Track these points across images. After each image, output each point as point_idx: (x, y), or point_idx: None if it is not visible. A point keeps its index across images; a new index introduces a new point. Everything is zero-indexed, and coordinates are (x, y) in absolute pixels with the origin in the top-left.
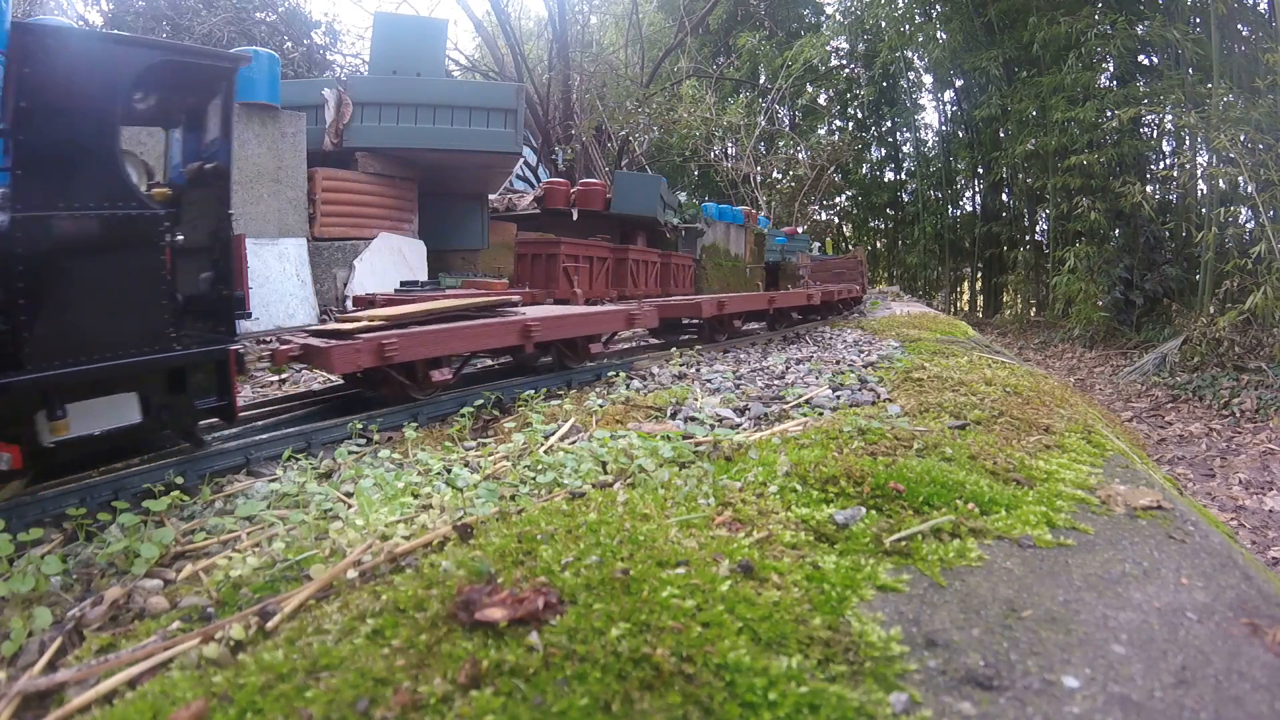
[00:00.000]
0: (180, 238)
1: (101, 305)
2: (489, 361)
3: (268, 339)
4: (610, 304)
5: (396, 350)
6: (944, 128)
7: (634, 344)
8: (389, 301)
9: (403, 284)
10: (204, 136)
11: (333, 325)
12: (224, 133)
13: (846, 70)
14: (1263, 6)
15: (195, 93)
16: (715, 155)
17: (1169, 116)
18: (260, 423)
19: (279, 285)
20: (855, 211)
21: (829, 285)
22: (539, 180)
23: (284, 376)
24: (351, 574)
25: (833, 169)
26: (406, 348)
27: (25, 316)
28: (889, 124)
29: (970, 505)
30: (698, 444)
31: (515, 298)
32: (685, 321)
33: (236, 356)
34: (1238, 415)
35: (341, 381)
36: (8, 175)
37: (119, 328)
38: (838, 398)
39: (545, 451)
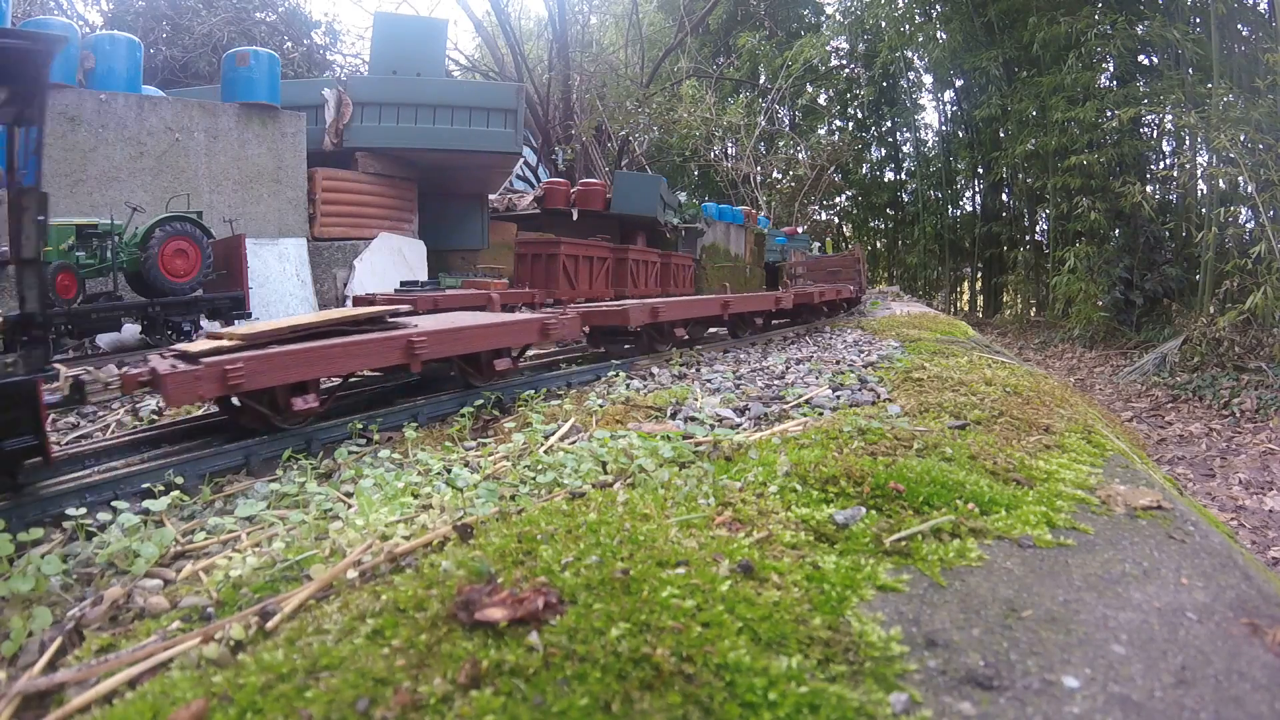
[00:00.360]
0: None
1: None
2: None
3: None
4: (526, 312)
5: (243, 377)
6: (944, 128)
7: (554, 357)
8: (374, 302)
9: (403, 284)
10: (29, 129)
11: (193, 345)
12: (40, 125)
13: (846, 70)
14: (1263, 6)
15: (11, 78)
16: (715, 155)
17: (1169, 116)
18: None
19: (279, 285)
20: (855, 211)
21: (808, 287)
22: (539, 180)
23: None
24: (351, 574)
25: (833, 169)
26: (258, 373)
27: None
28: (889, 124)
29: (970, 505)
30: (698, 444)
31: (405, 306)
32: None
33: (77, 384)
34: (1238, 415)
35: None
36: None
37: None
38: (838, 398)
39: (545, 451)
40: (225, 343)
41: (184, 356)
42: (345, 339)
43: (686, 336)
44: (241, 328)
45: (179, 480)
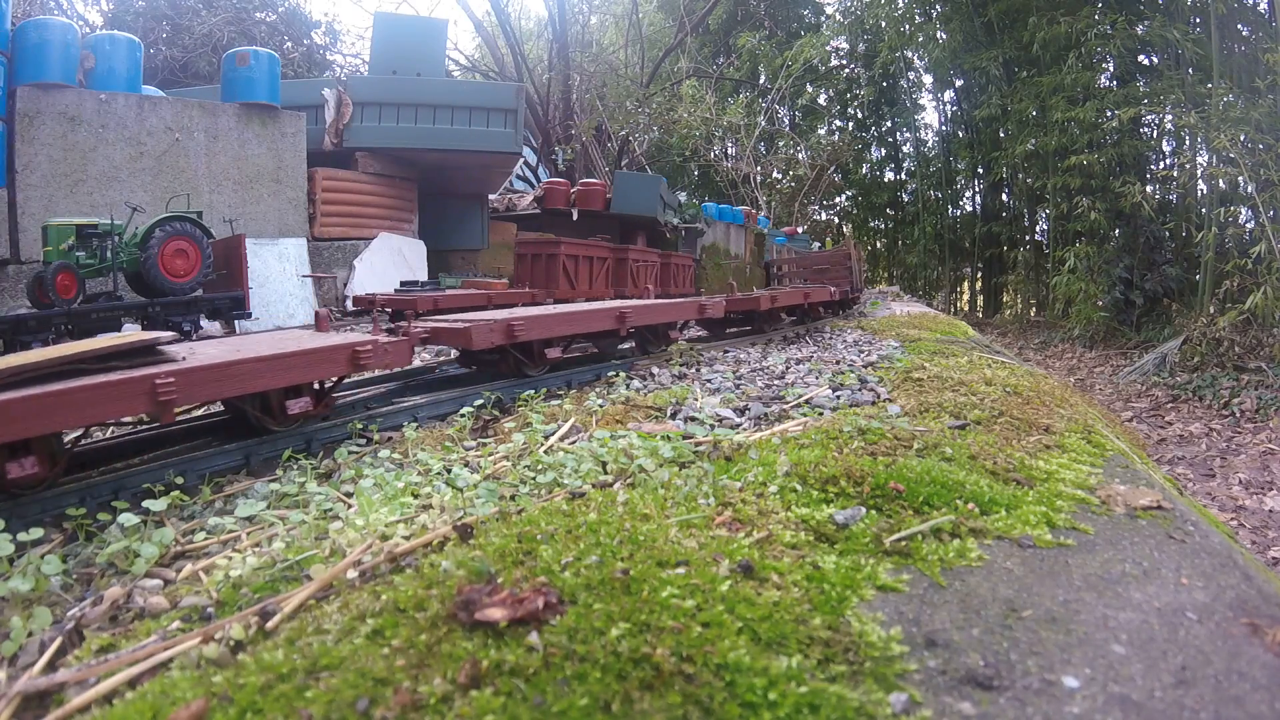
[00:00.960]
0: None
1: None
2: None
3: None
4: (344, 334)
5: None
6: (944, 128)
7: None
8: (374, 302)
9: (403, 284)
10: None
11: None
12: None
13: (846, 70)
14: (1263, 6)
15: None
16: (715, 155)
17: (1169, 116)
18: None
19: (279, 285)
20: (855, 211)
21: (741, 293)
22: (539, 180)
23: None
24: (351, 574)
25: (833, 169)
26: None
27: None
28: (889, 124)
29: (970, 505)
30: (698, 444)
31: (166, 335)
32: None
33: None
34: (1238, 415)
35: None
36: None
37: None
38: (838, 398)
39: (545, 451)
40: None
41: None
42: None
43: (556, 356)
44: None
45: (179, 480)
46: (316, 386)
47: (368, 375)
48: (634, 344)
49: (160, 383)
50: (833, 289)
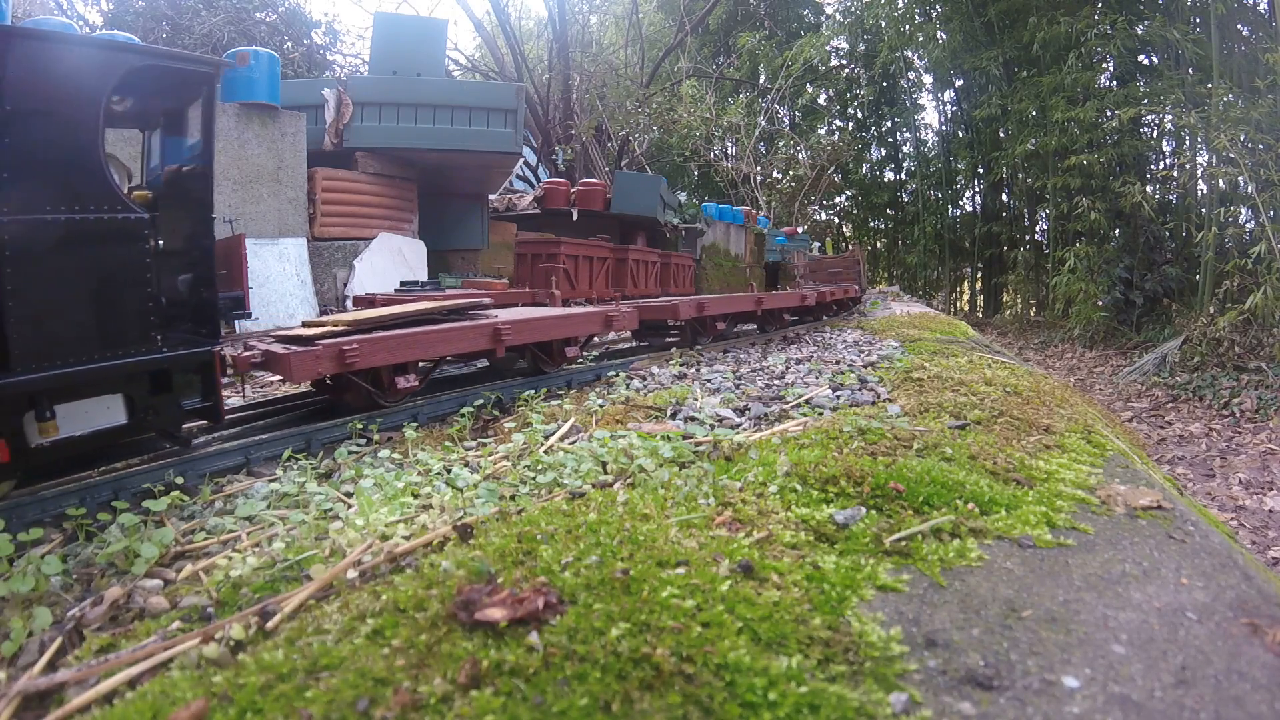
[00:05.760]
0: (163, 241)
1: (87, 308)
2: (472, 365)
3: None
4: (589, 305)
5: (358, 356)
6: (944, 128)
7: (604, 349)
8: (375, 303)
9: (403, 284)
10: (185, 140)
11: (297, 330)
12: (205, 136)
13: (846, 70)
14: (1263, 6)
15: (177, 96)
16: (715, 155)
17: (1169, 116)
18: (249, 425)
19: (279, 285)
20: (855, 211)
21: (819, 287)
22: (539, 180)
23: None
24: (351, 574)
25: (833, 169)
26: (369, 353)
27: (12, 319)
28: (889, 124)
29: (970, 505)
30: (698, 444)
31: (486, 300)
32: (670, 323)
33: (222, 358)
34: (1238, 415)
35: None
36: None
37: (104, 330)
38: (838, 398)
39: (545, 451)
40: (335, 327)
41: (296, 340)
42: (441, 326)
43: (731, 329)
44: (345, 315)
45: (179, 480)
46: (583, 340)
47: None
48: (757, 324)
49: (501, 327)
50: (848, 287)
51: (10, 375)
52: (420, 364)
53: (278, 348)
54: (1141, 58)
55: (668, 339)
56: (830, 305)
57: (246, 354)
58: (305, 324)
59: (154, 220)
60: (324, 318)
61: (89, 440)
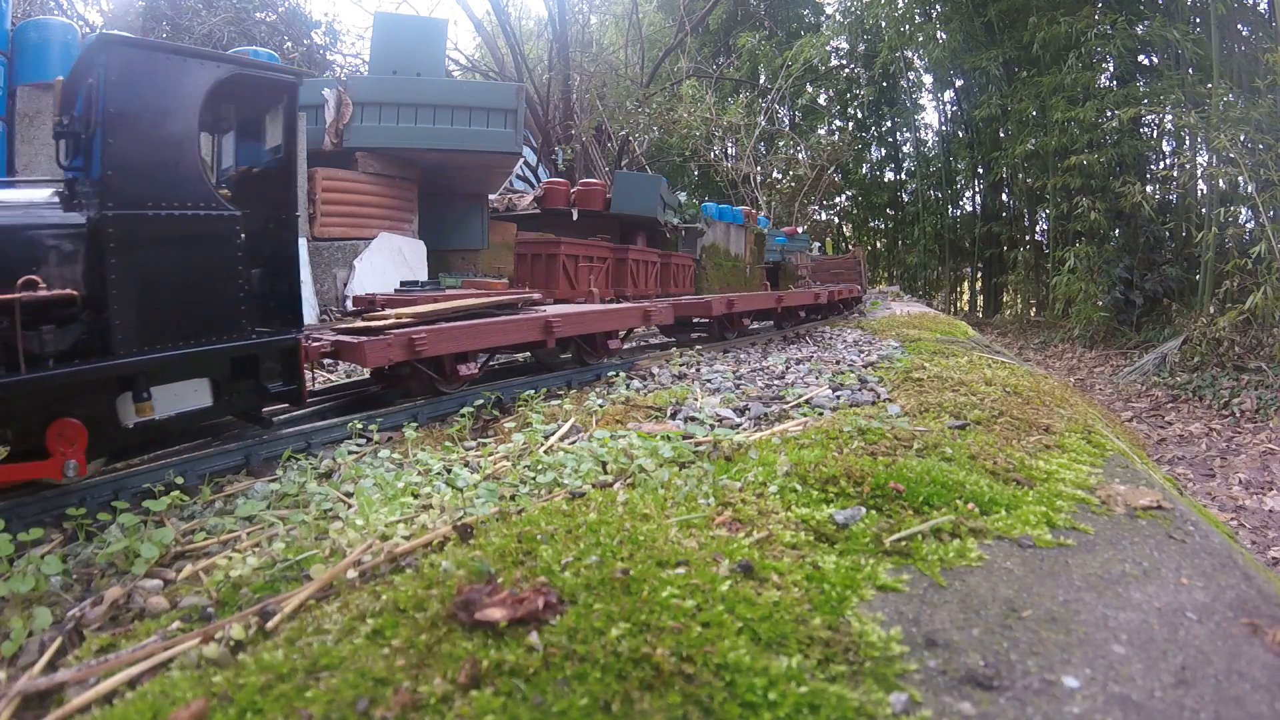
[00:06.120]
0: (248, 236)
1: (184, 296)
2: (518, 357)
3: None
4: (626, 301)
5: (426, 345)
6: (944, 128)
7: (638, 343)
8: (389, 302)
9: (403, 284)
10: (263, 144)
11: (360, 323)
12: (288, 140)
13: (846, 70)
14: (1263, 6)
15: (257, 103)
16: (715, 155)
17: (1169, 116)
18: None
19: None
20: (855, 211)
21: (826, 286)
22: (539, 180)
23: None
24: (351, 574)
25: (833, 169)
26: (436, 343)
27: (116, 305)
28: (889, 124)
29: (970, 505)
30: (698, 444)
31: (536, 295)
32: (695, 320)
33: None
34: (1238, 415)
35: (366, 377)
36: (74, 173)
37: (199, 317)
38: (838, 398)
39: (545, 451)
40: (400, 319)
41: (367, 331)
42: (499, 318)
43: (751, 325)
44: (409, 308)
45: (179, 480)
46: (622, 333)
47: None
48: (773, 320)
49: (552, 320)
50: (851, 287)
51: (113, 358)
52: (479, 354)
53: (346, 338)
54: (1141, 58)
55: (693, 334)
56: (838, 304)
57: (316, 344)
58: (364, 318)
59: (245, 217)
60: (385, 311)
61: (175, 422)
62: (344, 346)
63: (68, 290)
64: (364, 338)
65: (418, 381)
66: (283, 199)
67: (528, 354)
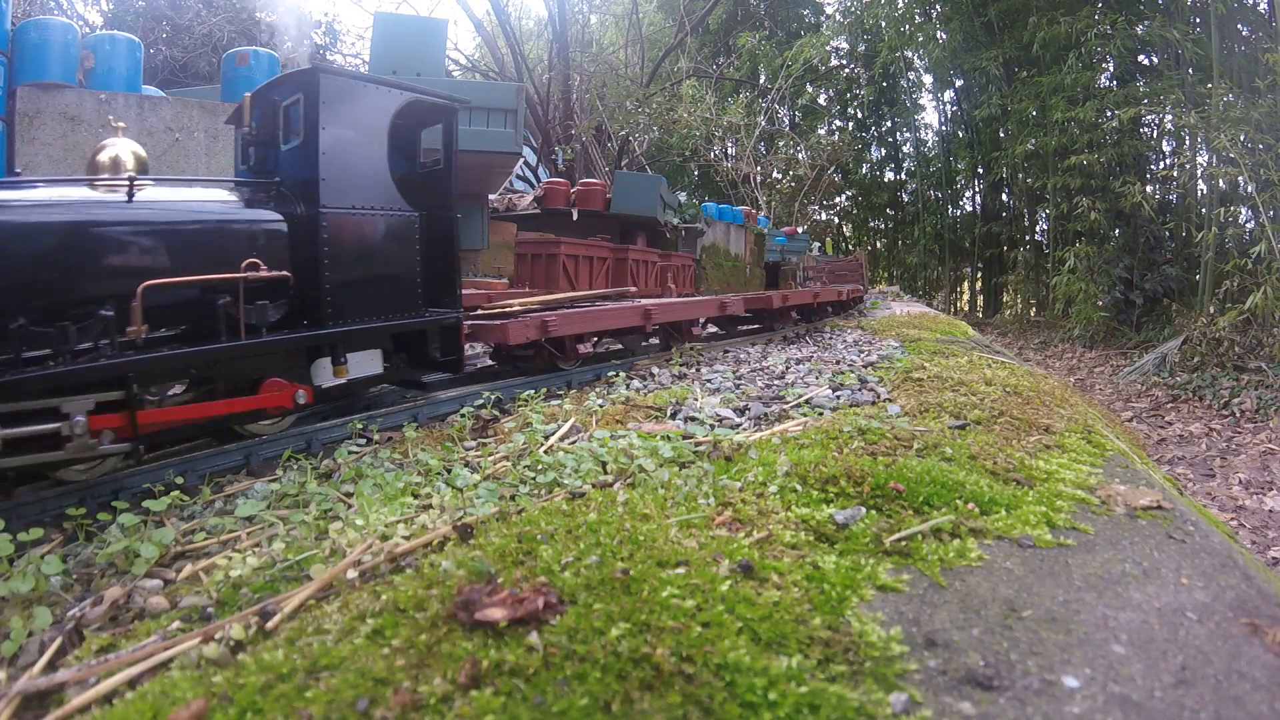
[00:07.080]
0: (423, 231)
1: (376, 280)
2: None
3: None
4: (702, 295)
5: (557, 326)
6: (944, 128)
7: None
8: (505, 295)
9: None
10: (415, 156)
11: (484, 310)
12: (447, 153)
13: (846, 70)
14: (1263, 6)
15: (427, 120)
16: (715, 155)
17: (1169, 116)
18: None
19: None
20: (855, 211)
21: (831, 286)
22: (539, 180)
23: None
24: (351, 574)
25: (833, 169)
26: (563, 325)
27: (328, 285)
28: (889, 124)
29: (970, 505)
30: (698, 444)
31: (632, 288)
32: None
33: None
34: (1238, 415)
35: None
36: (253, 175)
37: (387, 297)
38: (838, 398)
39: (545, 451)
40: (530, 305)
41: (502, 315)
42: (610, 305)
43: (798, 318)
44: (535, 296)
45: (179, 480)
46: (702, 321)
47: None
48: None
49: (650, 309)
50: (856, 287)
51: (326, 327)
52: (591, 336)
53: (483, 322)
54: (1141, 58)
55: (740, 327)
56: (848, 302)
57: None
58: (489, 307)
59: (423, 217)
60: (510, 300)
61: (354, 385)
62: (481, 328)
63: (284, 272)
64: (504, 320)
65: (541, 359)
66: (445, 200)
67: (615, 342)
